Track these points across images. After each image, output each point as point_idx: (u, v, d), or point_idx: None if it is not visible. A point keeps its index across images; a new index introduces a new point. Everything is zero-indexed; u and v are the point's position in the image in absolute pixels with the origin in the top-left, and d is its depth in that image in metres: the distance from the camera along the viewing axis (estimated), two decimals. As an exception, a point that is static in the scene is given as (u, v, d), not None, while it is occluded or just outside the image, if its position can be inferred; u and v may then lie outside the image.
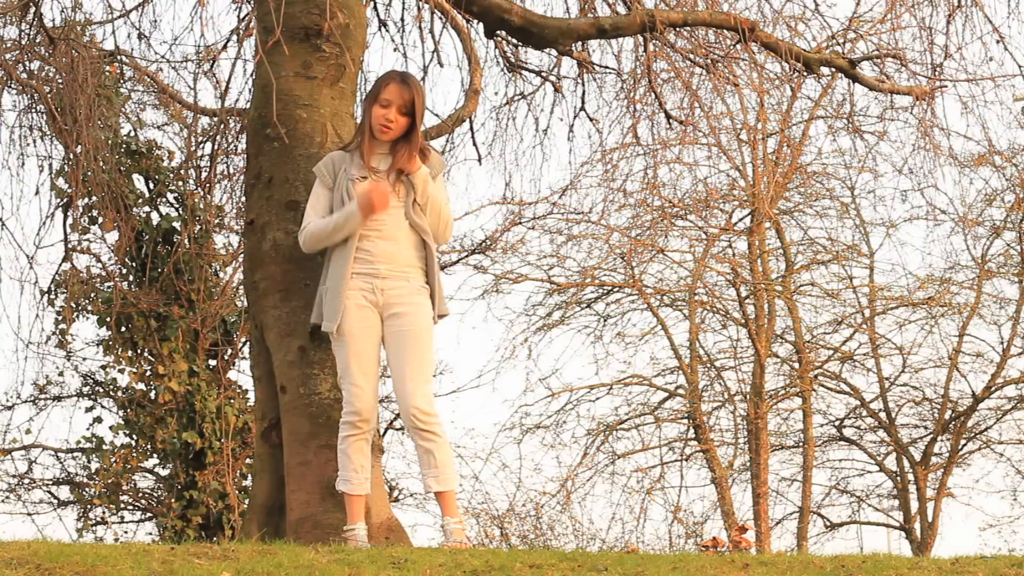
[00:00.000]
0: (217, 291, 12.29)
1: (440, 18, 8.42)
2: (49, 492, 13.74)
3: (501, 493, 21.04)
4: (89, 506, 13.25)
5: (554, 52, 8.13)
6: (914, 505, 19.20)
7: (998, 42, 8.24)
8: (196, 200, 10.84)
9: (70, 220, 11.27)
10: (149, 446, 12.76)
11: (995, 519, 19.83)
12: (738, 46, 8.01)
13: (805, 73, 8.13)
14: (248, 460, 12.37)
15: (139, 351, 12.66)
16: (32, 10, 8.10)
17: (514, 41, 8.40)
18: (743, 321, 18.19)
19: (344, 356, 5.56)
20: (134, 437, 12.88)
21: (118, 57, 9.80)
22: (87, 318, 12.97)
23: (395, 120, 5.62)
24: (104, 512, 13.20)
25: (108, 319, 12.33)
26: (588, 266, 17.98)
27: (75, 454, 13.57)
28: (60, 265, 11.54)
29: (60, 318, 12.85)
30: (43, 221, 10.10)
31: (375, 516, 5.68)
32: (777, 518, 19.15)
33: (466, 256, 16.40)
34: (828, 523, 19.85)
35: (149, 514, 13.26)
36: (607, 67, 8.76)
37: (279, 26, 5.94)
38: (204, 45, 8.75)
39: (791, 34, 9.06)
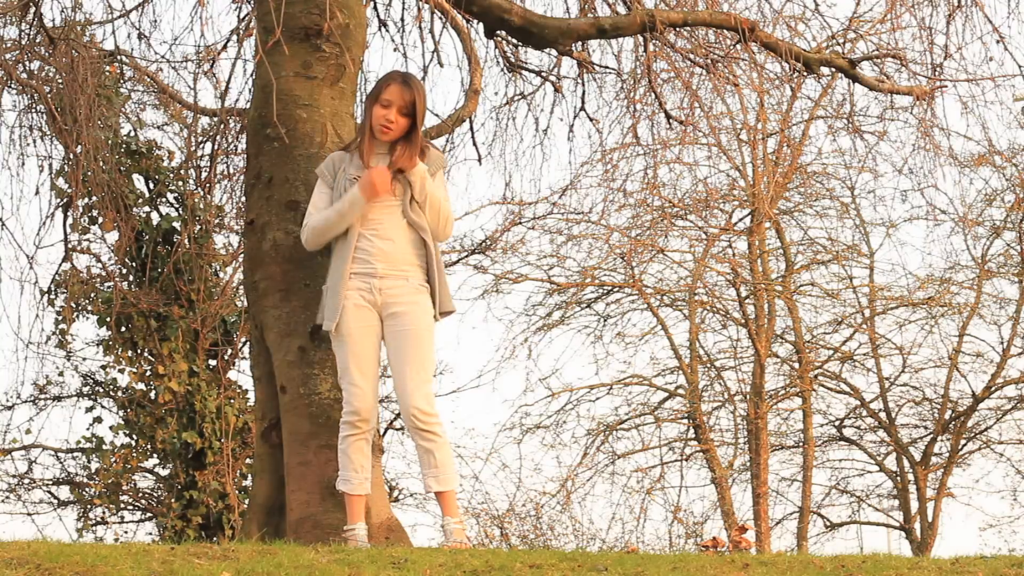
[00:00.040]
0: (217, 291, 12.30)
1: (440, 18, 8.42)
2: (49, 492, 13.74)
3: (501, 493, 21.05)
4: (89, 506, 13.25)
5: (554, 52, 8.13)
6: (914, 505, 19.20)
7: (998, 42, 8.24)
8: (196, 200, 10.84)
9: (70, 220, 11.27)
10: (149, 446, 12.76)
11: (995, 519, 19.84)
12: (738, 46, 8.01)
13: (805, 73, 8.13)
14: (248, 460, 12.37)
15: (139, 351, 12.67)
16: (32, 10, 8.10)
17: (514, 41, 8.40)
18: (743, 321, 18.19)
19: (343, 356, 5.56)
20: (134, 437, 12.88)
21: (118, 57, 9.80)
22: (87, 318, 12.97)
23: (395, 121, 5.62)
24: (104, 512, 13.21)
25: (108, 319, 12.33)
26: (588, 266, 17.99)
27: (75, 454, 13.57)
28: (60, 265, 11.54)
29: (60, 318, 12.85)
30: (43, 221, 10.10)
31: (375, 516, 5.68)
32: (777, 518, 19.16)
33: (466, 256, 16.41)
34: (828, 523, 19.85)
35: (149, 514, 13.26)
36: (607, 67, 8.76)
37: (279, 26, 5.94)
38: (204, 45, 8.76)
39: (791, 34, 9.07)
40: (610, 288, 18.41)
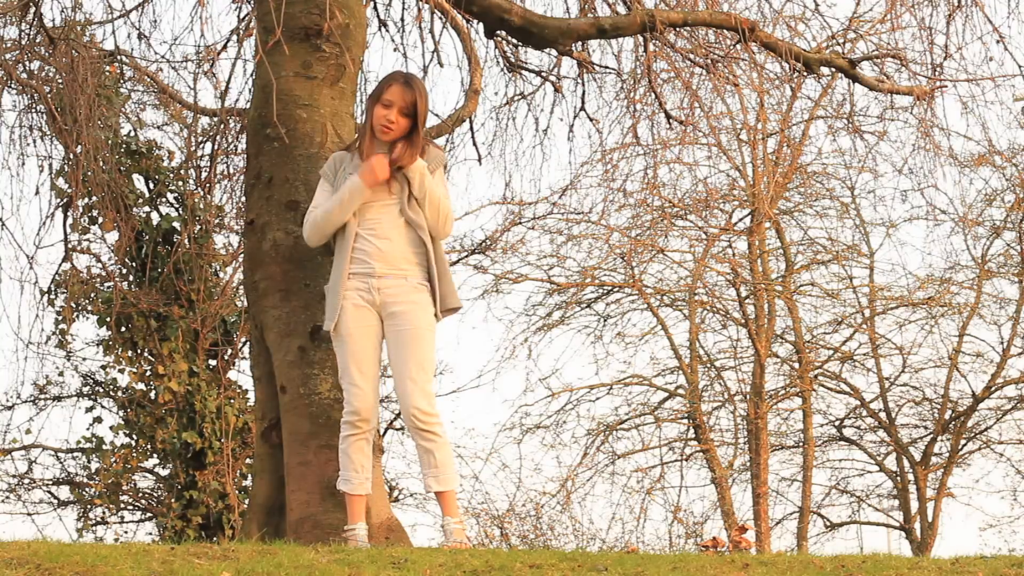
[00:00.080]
0: (217, 291, 12.30)
1: (440, 18, 8.42)
2: (49, 492, 13.75)
3: (501, 493, 21.06)
4: (89, 506, 13.25)
5: (554, 52, 8.13)
6: (914, 505, 19.20)
7: (998, 42, 8.24)
8: (196, 200, 10.84)
9: (70, 220, 11.27)
10: (149, 446, 12.76)
11: (995, 519, 19.84)
12: (738, 46, 8.01)
13: (805, 73, 8.13)
14: (248, 460, 12.37)
15: (139, 351, 12.67)
16: (32, 10, 8.10)
17: (514, 41, 8.40)
18: (743, 321, 18.19)
19: (343, 356, 5.56)
20: (134, 437, 12.88)
21: (118, 57, 9.80)
22: (87, 318, 12.97)
23: (396, 121, 5.62)
24: (104, 512, 13.21)
25: (108, 319, 12.34)
26: (588, 266, 17.98)
27: (75, 454, 13.57)
28: (60, 265, 11.54)
29: (60, 318, 12.85)
30: (43, 221, 10.10)
31: (375, 516, 5.68)
32: (777, 518, 19.16)
33: (466, 256, 16.41)
34: (828, 523, 19.85)
35: (149, 514, 13.26)
36: (607, 67, 8.76)
37: (279, 26, 5.94)
38: (204, 45, 8.76)
39: (791, 34, 9.07)
40: (610, 288, 18.42)
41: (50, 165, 10.29)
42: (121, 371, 12.89)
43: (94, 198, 11.73)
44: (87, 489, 13.39)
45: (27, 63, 9.08)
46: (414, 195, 5.60)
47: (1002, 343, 18.77)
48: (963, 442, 19.23)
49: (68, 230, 11.11)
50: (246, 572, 4.27)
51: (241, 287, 10.96)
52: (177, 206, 12.75)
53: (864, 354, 19.12)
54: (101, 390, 13.39)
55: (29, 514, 13.71)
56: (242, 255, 6.92)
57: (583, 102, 8.76)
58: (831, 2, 11.68)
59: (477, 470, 21.76)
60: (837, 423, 19.62)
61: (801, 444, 18.93)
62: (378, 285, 5.57)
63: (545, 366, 26.39)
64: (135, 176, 12.67)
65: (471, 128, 8.73)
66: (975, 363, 19.02)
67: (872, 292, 18.77)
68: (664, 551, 13.18)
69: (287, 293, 5.89)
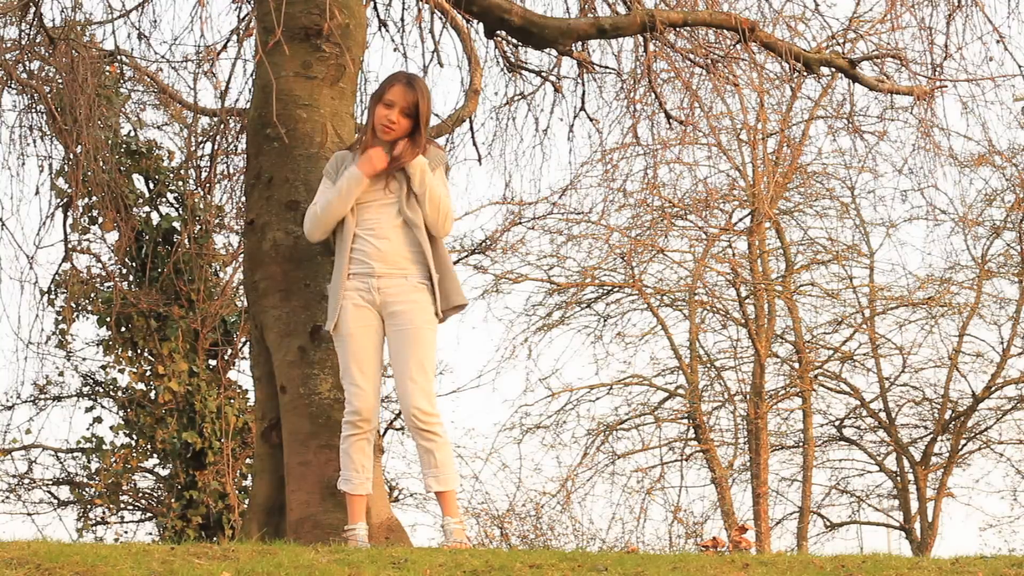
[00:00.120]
0: (217, 291, 12.30)
1: (440, 18, 8.42)
2: (49, 492, 13.75)
3: (501, 493, 21.06)
4: (89, 506, 13.25)
5: (554, 52, 8.14)
6: (914, 505, 19.20)
7: (998, 42, 8.24)
8: (196, 200, 10.84)
9: (70, 220, 11.27)
10: (149, 446, 12.77)
11: (995, 519, 19.84)
12: (738, 46, 8.01)
13: (805, 73, 8.13)
14: (248, 460, 12.37)
15: (139, 351, 12.67)
16: (32, 10, 8.10)
17: (514, 41, 8.40)
18: (743, 321, 18.19)
19: (344, 356, 5.57)
20: (134, 437, 12.88)
21: (118, 57, 9.80)
22: (87, 318, 12.98)
23: (397, 121, 5.62)
24: (104, 512, 13.21)
25: (108, 319, 12.34)
26: (588, 266, 17.98)
27: (75, 454, 13.57)
28: (60, 265, 11.55)
29: (60, 318, 12.85)
30: (43, 221, 10.10)
31: (375, 516, 5.68)
32: (777, 518, 19.16)
33: (466, 256, 16.41)
34: (828, 523, 19.85)
35: (149, 514, 13.26)
36: (607, 67, 8.76)
37: (279, 26, 5.94)
38: (204, 45, 8.76)
39: (791, 34, 9.06)
40: (610, 288, 18.41)
41: (50, 165, 10.30)
42: (121, 371, 12.90)
43: (94, 198, 11.73)
44: (87, 489, 13.39)
45: (27, 63, 9.08)
46: (414, 191, 5.59)
47: (1002, 343, 18.77)
48: (963, 442, 19.23)
49: (68, 230, 11.12)
50: (246, 572, 4.27)
51: (241, 287, 10.96)
52: (177, 206, 12.75)
53: (864, 354, 19.12)
54: (101, 390, 13.39)
55: (29, 514, 13.72)
56: (242, 255, 6.92)
57: (583, 102, 8.76)
58: (831, 2, 11.67)
59: (477, 470, 21.76)
60: (837, 423, 19.62)
61: (801, 444, 18.93)
62: (378, 285, 5.57)
63: (545, 366, 26.43)
64: (135, 176, 12.67)
65: (471, 128, 8.73)
66: (975, 363, 19.03)
67: (872, 292, 18.77)
68: (664, 551, 13.19)
69: (287, 293, 5.89)
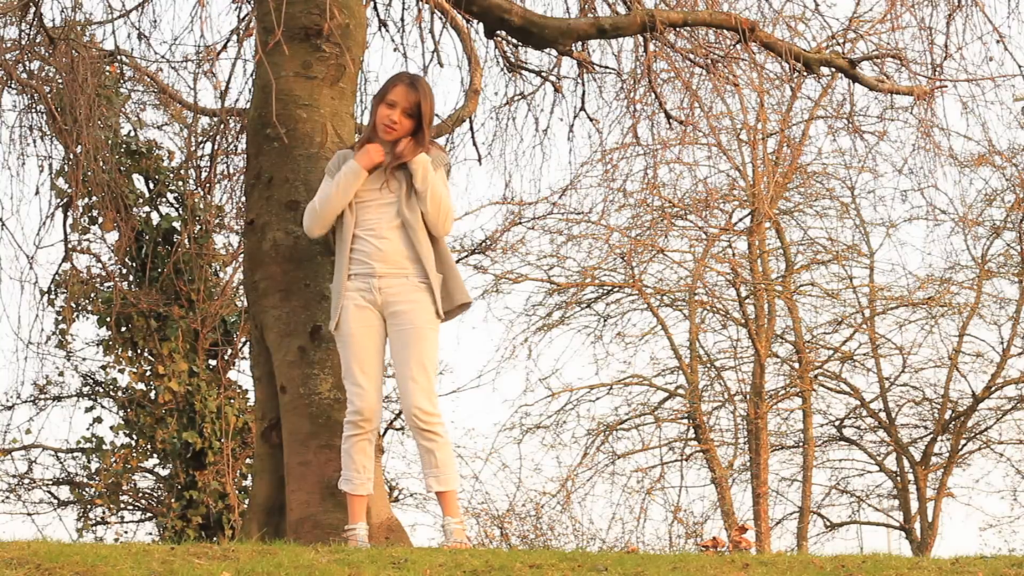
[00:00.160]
0: (217, 291, 12.30)
1: (440, 18, 8.42)
2: (49, 492, 13.75)
3: (501, 493, 21.06)
4: (89, 506, 13.26)
5: (554, 52, 8.14)
6: (914, 505, 19.20)
7: (998, 42, 8.25)
8: (196, 200, 10.84)
9: (70, 220, 11.27)
10: (149, 446, 12.77)
11: (995, 519, 19.84)
12: (738, 46, 8.01)
13: (805, 73, 8.13)
14: (248, 460, 12.37)
15: (139, 351, 12.67)
16: (32, 10, 8.10)
17: (514, 41, 8.40)
18: (743, 321, 18.19)
19: (345, 357, 5.56)
20: (134, 437, 12.88)
21: (118, 57, 9.80)
22: (87, 318, 12.98)
23: (399, 122, 5.62)
24: (104, 512, 13.21)
25: (108, 319, 12.34)
26: (588, 266, 17.98)
27: (75, 454, 13.57)
28: (60, 265, 11.55)
29: (60, 318, 12.85)
30: (43, 221, 10.10)
31: (375, 516, 5.68)
32: (777, 518, 19.16)
33: (466, 256, 16.41)
34: (828, 523, 19.85)
35: (149, 514, 13.26)
36: (607, 67, 8.76)
37: (279, 26, 5.94)
38: (204, 45, 8.75)
39: (791, 34, 9.07)
40: (610, 288, 18.41)
41: (50, 165, 10.30)
42: (121, 371, 12.90)
43: (94, 198, 11.74)
44: (87, 489, 13.39)
45: (27, 63, 9.08)
46: (416, 188, 5.58)
47: (1002, 343, 18.77)
48: (963, 442, 19.23)
49: (68, 230, 11.12)
50: (246, 572, 4.27)
51: (241, 287, 10.96)
52: (177, 206, 12.75)
53: (864, 354, 19.12)
54: (101, 390, 13.39)
55: (29, 514, 13.72)
56: (242, 255, 6.92)
57: (583, 102, 8.76)
58: (831, 2, 11.67)
59: (477, 470, 21.76)
60: (837, 423, 19.62)
61: (801, 444, 18.93)
62: (379, 285, 5.57)
63: (545, 366, 26.43)
64: (135, 176, 12.67)
65: (471, 128, 8.73)
66: (975, 363, 19.04)
67: (872, 292, 18.77)
68: (664, 551, 13.19)
69: (287, 293, 5.89)
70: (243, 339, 12.44)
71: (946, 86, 8.48)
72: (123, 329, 12.59)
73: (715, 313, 18.77)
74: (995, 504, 40.49)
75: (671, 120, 8.61)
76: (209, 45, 8.71)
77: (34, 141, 9.53)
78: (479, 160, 8.92)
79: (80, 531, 13.10)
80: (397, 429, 15.35)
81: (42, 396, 13.57)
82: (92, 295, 12.67)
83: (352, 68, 6.18)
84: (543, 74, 8.82)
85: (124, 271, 12.84)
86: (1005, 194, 18.56)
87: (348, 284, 5.57)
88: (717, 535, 10.47)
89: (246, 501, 11.92)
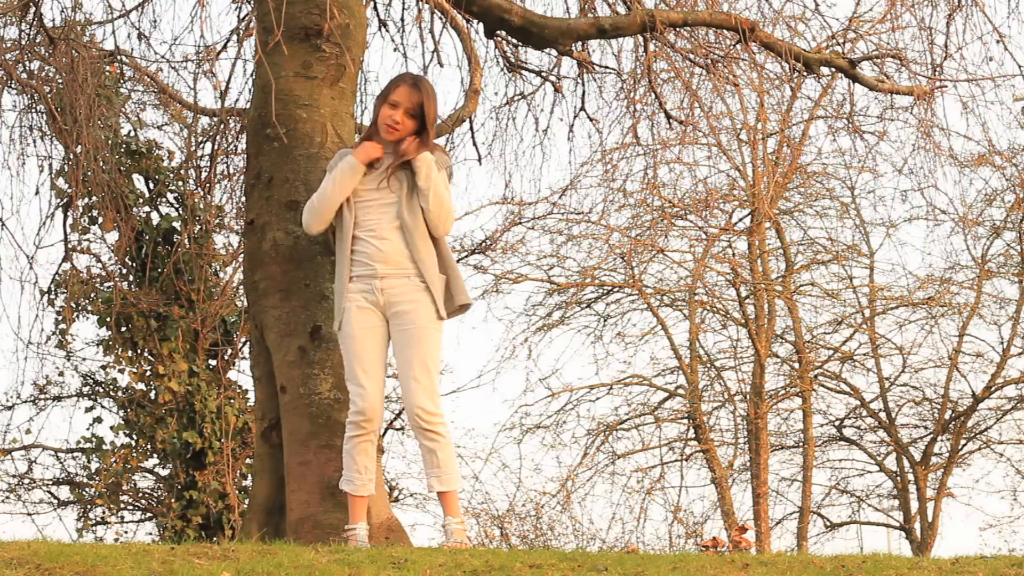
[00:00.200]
0: (217, 291, 12.30)
1: (440, 18, 8.42)
2: (49, 492, 13.75)
3: (501, 493, 21.07)
4: (89, 506, 13.26)
5: (554, 52, 8.14)
6: (914, 505, 19.20)
7: (998, 42, 8.25)
8: (196, 200, 10.84)
9: (70, 220, 11.27)
10: (149, 446, 12.77)
11: (995, 519, 19.84)
12: (738, 46, 8.01)
13: (805, 73, 8.13)
14: (248, 460, 12.37)
15: (139, 351, 12.67)
16: (32, 10, 8.10)
17: (514, 41, 8.40)
18: (743, 321, 18.19)
19: (348, 358, 5.57)
20: (134, 437, 12.89)
21: (118, 57, 9.80)
22: (87, 318, 12.98)
23: (402, 122, 5.62)
24: (104, 512, 13.21)
25: (108, 319, 12.34)
26: (588, 266, 17.99)
27: (75, 454, 13.58)
28: (60, 265, 11.55)
29: (60, 318, 12.85)
30: (43, 221, 10.11)
31: (375, 516, 5.68)
32: (777, 518, 19.16)
33: (466, 256, 16.41)
34: (828, 523, 19.86)
35: (149, 514, 13.26)
36: (607, 67, 8.76)
37: (279, 26, 5.94)
38: (204, 45, 8.75)
39: (791, 34, 9.07)
40: (610, 288, 18.42)
41: (50, 165, 10.30)
42: (121, 371, 12.90)
43: (94, 198, 11.74)
44: (87, 489, 13.39)
45: (27, 63, 9.08)
46: (419, 185, 5.57)
47: (1002, 343, 18.78)
48: (963, 442, 19.24)
49: (68, 230, 11.12)
50: (246, 572, 4.27)
51: (241, 287, 10.97)
52: (177, 206, 12.76)
53: (864, 354, 19.13)
54: (101, 390, 13.39)
55: (29, 514, 13.72)
56: (242, 255, 6.92)
57: (583, 102, 8.76)
58: (831, 2, 11.67)
59: (477, 470, 21.76)
60: (837, 423, 19.63)
61: (801, 444, 18.93)
62: (381, 286, 5.57)
63: (545, 366, 26.43)
64: (135, 176, 12.67)
65: (471, 128, 8.73)
66: (975, 363, 19.04)
67: (872, 292, 18.77)
68: (664, 551, 13.19)
69: (287, 293, 5.89)
70: (243, 339, 12.44)
71: (946, 86, 8.48)
72: (123, 329, 12.59)
73: (715, 313, 18.78)
74: (995, 504, 40.51)
75: (671, 120, 8.61)
76: (209, 45, 8.71)
77: (34, 141, 9.54)
78: (479, 160, 8.93)
79: (80, 531, 13.10)
80: (397, 429, 15.36)
81: (42, 396, 13.57)
82: (92, 295, 12.68)
83: (352, 68, 6.18)
84: (543, 74, 8.82)
85: (124, 271, 12.84)
86: (1005, 194, 18.57)
87: (350, 286, 5.58)
88: (717, 535, 10.48)
89: (246, 501, 11.92)
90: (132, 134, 12.64)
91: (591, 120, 8.87)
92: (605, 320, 18.62)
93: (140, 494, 13.29)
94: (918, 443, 19.35)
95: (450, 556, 4.73)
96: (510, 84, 8.91)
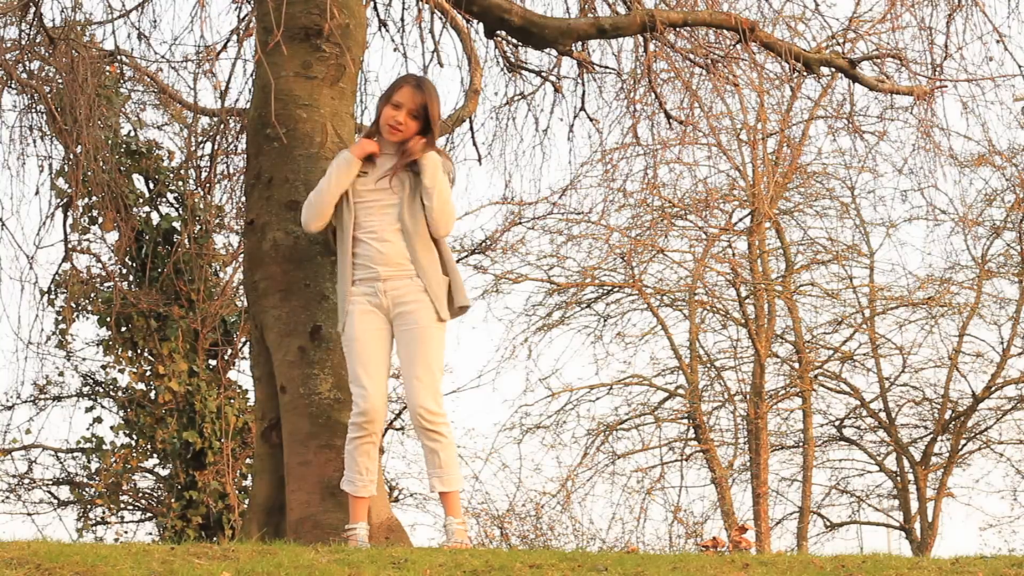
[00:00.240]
0: (217, 291, 12.30)
1: (440, 18, 8.43)
2: (49, 492, 13.75)
3: (501, 493, 21.06)
4: (89, 506, 13.26)
5: (554, 52, 8.14)
6: (914, 505, 19.20)
7: (998, 42, 8.25)
8: (196, 200, 10.84)
9: (70, 220, 11.27)
10: (149, 446, 12.77)
11: (995, 519, 19.84)
12: (738, 46, 8.01)
13: (805, 73, 8.13)
14: (248, 460, 12.37)
15: (139, 351, 12.67)
16: (32, 10, 8.11)
17: (514, 41, 8.40)
18: (743, 321, 18.19)
19: (350, 359, 5.57)
20: (134, 437, 12.89)
21: (118, 57, 9.80)
22: (87, 318, 12.98)
23: (405, 123, 5.62)
24: (104, 512, 13.21)
25: (108, 319, 12.34)
26: (588, 266, 17.98)
27: (75, 454, 13.58)
28: (60, 265, 11.55)
29: (60, 318, 12.85)
30: (43, 221, 10.11)
31: (375, 516, 5.68)
32: (777, 518, 19.16)
33: (466, 256, 16.41)
34: (828, 523, 19.85)
35: (149, 514, 13.27)
36: (607, 67, 8.76)
37: (279, 26, 5.94)
38: (204, 45, 8.76)
39: (791, 34, 9.08)
40: (610, 288, 18.41)
41: (50, 165, 10.30)
42: (121, 371, 12.90)
43: (94, 198, 11.74)
44: (87, 489, 13.39)
45: (27, 63, 9.09)
46: (424, 183, 5.56)
47: (1002, 343, 18.77)
48: (963, 442, 19.23)
49: (68, 230, 11.12)
50: (246, 572, 4.27)
51: (241, 287, 10.97)
52: (177, 206, 12.76)
53: (864, 354, 19.12)
54: (101, 390, 13.39)
55: (29, 514, 13.72)
56: (242, 255, 6.92)
57: (583, 102, 8.76)
58: (831, 2, 11.67)
59: (477, 470, 21.75)
60: (837, 423, 19.62)
61: (801, 444, 18.93)
62: (384, 288, 5.57)
63: (545, 366, 26.41)
64: (135, 176, 12.68)
65: (471, 128, 8.74)
66: (975, 363, 19.03)
67: (872, 292, 18.77)
68: (664, 551, 13.19)
69: (287, 293, 5.89)
70: (243, 339, 12.44)
71: (946, 86, 8.48)
72: (123, 329, 12.59)
73: (715, 313, 18.78)
74: (995, 504, 40.48)
75: (671, 120, 8.61)
76: (209, 45, 8.71)
77: (34, 141, 9.54)
78: (479, 160, 8.93)
79: (80, 531, 13.10)
80: (397, 429, 15.36)
81: (42, 396, 13.57)
82: (92, 295, 12.68)
83: (352, 68, 6.18)
84: (543, 74, 8.82)
85: (124, 271, 12.84)
86: (1005, 194, 18.56)
87: (353, 290, 5.58)
88: (717, 535, 10.48)
89: (246, 501, 11.92)
90: (132, 134, 12.64)
91: (591, 120, 8.87)
92: (605, 320, 18.62)
93: (140, 494, 13.29)
94: (918, 443, 19.35)
95: (450, 556, 4.73)
96: (510, 84, 8.92)
